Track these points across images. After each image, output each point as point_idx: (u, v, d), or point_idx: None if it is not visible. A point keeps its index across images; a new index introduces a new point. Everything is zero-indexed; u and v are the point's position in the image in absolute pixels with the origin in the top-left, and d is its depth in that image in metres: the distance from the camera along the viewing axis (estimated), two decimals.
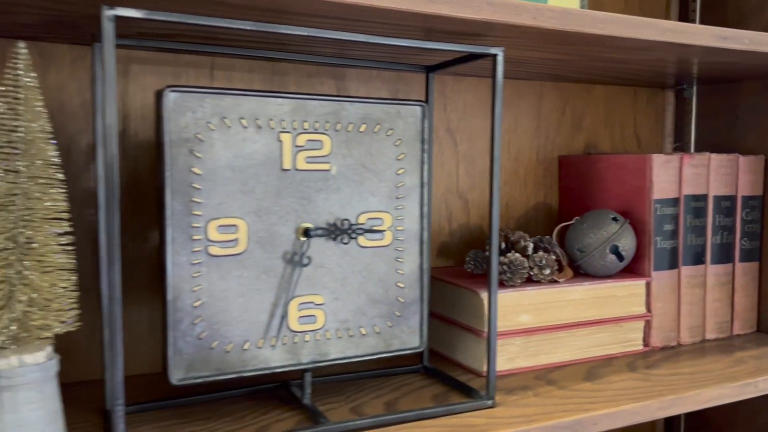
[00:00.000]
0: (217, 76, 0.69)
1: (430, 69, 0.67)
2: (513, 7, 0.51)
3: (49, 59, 0.62)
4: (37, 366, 0.42)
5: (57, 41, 0.62)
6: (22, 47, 0.42)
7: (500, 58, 0.56)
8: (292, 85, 0.72)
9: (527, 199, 0.89)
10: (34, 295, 0.41)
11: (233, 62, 0.69)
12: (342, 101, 0.56)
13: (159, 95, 0.50)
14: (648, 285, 0.77)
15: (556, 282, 0.72)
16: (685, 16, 0.96)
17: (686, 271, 0.79)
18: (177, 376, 0.51)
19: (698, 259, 0.80)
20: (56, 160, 0.43)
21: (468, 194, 0.84)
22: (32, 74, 0.42)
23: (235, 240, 0.53)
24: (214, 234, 0.52)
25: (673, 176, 0.78)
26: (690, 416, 1.00)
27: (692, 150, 0.97)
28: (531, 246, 0.72)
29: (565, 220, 0.89)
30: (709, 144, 0.94)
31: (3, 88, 0.42)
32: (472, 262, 0.74)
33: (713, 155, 0.80)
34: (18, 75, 0.42)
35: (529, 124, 0.88)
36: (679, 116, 0.99)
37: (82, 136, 0.64)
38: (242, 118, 0.52)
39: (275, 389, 0.62)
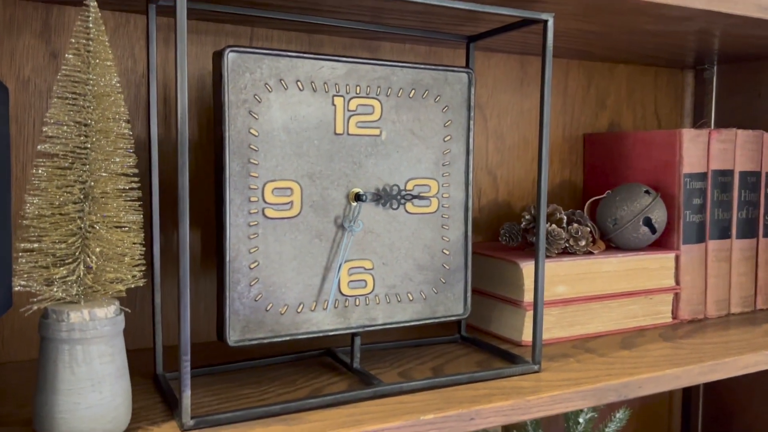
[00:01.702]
0: (256, 46, 0.68)
1: (471, 39, 0.68)
2: None
3: None
4: (108, 320, 0.42)
5: (101, 7, 0.61)
6: (92, 3, 0.42)
7: (551, 24, 0.56)
8: None
9: (553, 176, 0.90)
10: (106, 248, 0.41)
11: (271, 33, 0.69)
12: (393, 66, 0.56)
13: (218, 56, 0.50)
14: (677, 258, 0.78)
15: (590, 253, 0.72)
16: None
17: (713, 245, 0.80)
18: (234, 337, 0.51)
19: (725, 233, 0.81)
20: (126, 114, 0.43)
21: (497, 170, 0.85)
22: (102, 28, 0.42)
23: (290, 203, 0.53)
24: (270, 196, 0.52)
25: (701, 151, 0.79)
26: (707, 393, 1.01)
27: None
28: (566, 219, 0.73)
29: (590, 196, 0.89)
30: (729, 122, 0.95)
31: (74, 41, 0.41)
32: (507, 235, 0.74)
33: (740, 131, 0.82)
34: (89, 28, 0.42)
35: (555, 100, 0.89)
36: (698, 96, 1.00)
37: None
38: (298, 81, 0.52)
39: (321, 356, 0.62)
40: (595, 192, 0.89)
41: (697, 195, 0.79)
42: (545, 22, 0.56)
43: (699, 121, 1.00)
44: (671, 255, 0.77)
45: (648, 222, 0.75)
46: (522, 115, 0.86)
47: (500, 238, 0.75)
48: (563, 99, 0.90)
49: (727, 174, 0.81)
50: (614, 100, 0.94)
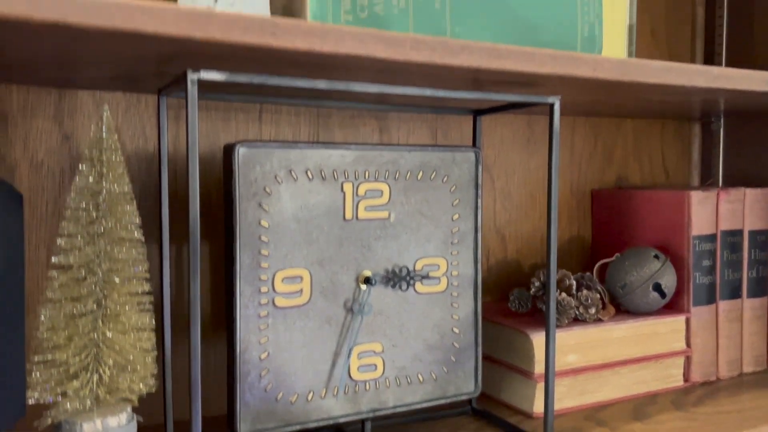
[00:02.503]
0: (265, 120, 0.69)
1: (478, 113, 0.68)
2: (574, 60, 0.52)
3: (102, 107, 0.62)
4: (121, 428, 0.42)
5: (113, 90, 0.62)
6: (105, 110, 0.43)
7: (557, 107, 0.56)
8: (336, 127, 0.73)
9: (561, 233, 0.90)
10: (119, 358, 0.42)
11: (280, 108, 0.70)
12: (401, 150, 0.57)
13: (229, 151, 0.50)
14: (688, 321, 0.77)
15: (600, 320, 0.72)
16: (711, 53, 0.98)
17: (724, 305, 0.80)
18: (244, 429, 0.51)
19: (735, 293, 0.81)
20: (137, 221, 0.43)
21: (505, 229, 0.85)
22: (115, 137, 0.43)
23: (300, 291, 0.53)
24: (280, 285, 0.52)
25: (710, 212, 0.79)
26: None
27: (720, 182, 0.98)
28: (575, 285, 0.73)
29: (598, 253, 0.89)
30: (737, 174, 0.95)
31: (87, 152, 0.42)
32: (516, 301, 0.74)
33: (748, 190, 0.81)
34: (102, 139, 0.42)
35: (563, 156, 0.89)
36: (706, 148, 1.00)
37: (135, 183, 0.64)
38: (308, 170, 0.53)
39: None
40: (604, 248, 0.89)
41: (707, 257, 0.78)
42: (551, 105, 0.56)
43: (707, 173, 1.00)
44: (681, 318, 0.77)
45: (657, 287, 0.75)
46: (529, 173, 0.86)
47: (509, 304, 0.75)
48: (570, 155, 0.90)
49: (736, 234, 0.81)
50: (621, 154, 0.94)
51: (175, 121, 0.65)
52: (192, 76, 0.42)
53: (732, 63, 0.95)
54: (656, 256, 0.76)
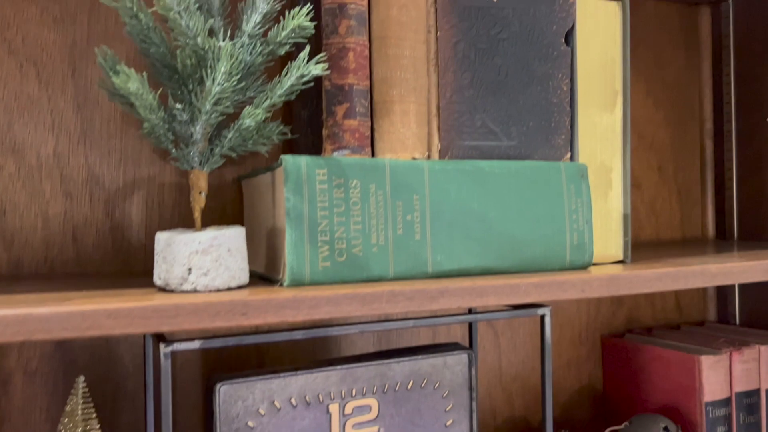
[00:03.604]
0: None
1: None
2: (560, 285, 0.51)
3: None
4: None
5: None
6: (82, 381, 0.43)
7: (548, 319, 0.55)
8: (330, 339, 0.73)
9: (571, 383, 0.87)
10: None
11: None
12: (389, 362, 0.56)
13: (209, 389, 0.50)
14: None
15: None
16: (721, 185, 0.96)
17: None
18: None
19: None
20: None
21: (512, 385, 0.83)
22: (91, 405, 0.43)
23: None
24: None
25: (723, 375, 0.76)
26: None
27: (737, 318, 0.95)
28: None
29: (611, 403, 0.87)
30: (753, 307, 0.92)
31: (66, 420, 0.42)
32: None
33: (762, 348, 0.78)
34: (76, 404, 0.42)
35: (569, 304, 0.88)
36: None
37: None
38: (291, 398, 0.52)
39: None
40: (616, 399, 0.86)
41: (722, 422, 0.75)
42: (542, 316, 0.55)
43: (723, 308, 0.97)
44: None
45: None
46: (535, 324, 0.85)
47: None
48: (577, 300, 0.88)
49: (752, 395, 0.78)
50: (631, 295, 0.92)
51: None
52: (165, 350, 0.42)
53: (743, 193, 0.93)
54: (666, 428, 0.73)
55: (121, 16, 0.41)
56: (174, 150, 0.45)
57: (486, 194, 0.52)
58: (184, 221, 0.66)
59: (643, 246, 0.88)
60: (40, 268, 0.61)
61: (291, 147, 0.64)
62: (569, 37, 0.58)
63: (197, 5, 0.44)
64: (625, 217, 0.62)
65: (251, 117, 0.42)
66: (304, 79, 0.43)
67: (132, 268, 0.64)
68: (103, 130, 0.63)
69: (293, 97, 0.44)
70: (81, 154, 0.63)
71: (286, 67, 0.43)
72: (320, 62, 0.43)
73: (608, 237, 0.61)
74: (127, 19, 0.41)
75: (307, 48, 0.44)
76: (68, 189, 0.62)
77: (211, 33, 0.46)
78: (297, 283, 0.46)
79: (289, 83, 0.43)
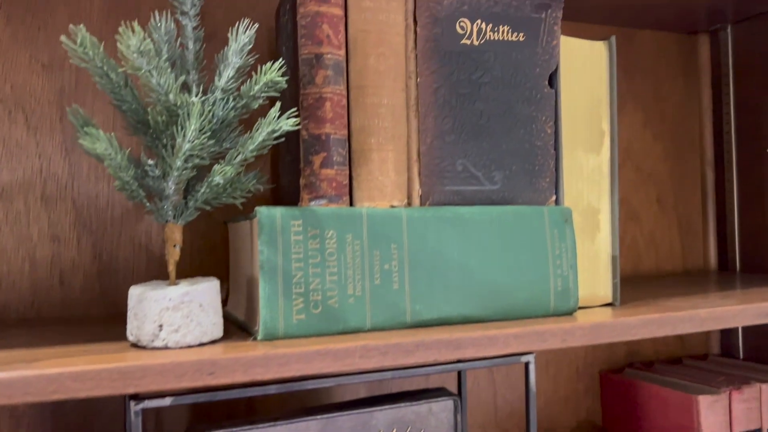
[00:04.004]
0: None
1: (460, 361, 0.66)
2: (540, 334, 0.50)
3: None
4: None
5: None
6: None
7: (532, 367, 0.54)
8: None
9: (569, 418, 0.86)
10: None
11: None
12: (371, 411, 0.55)
13: None
14: None
15: None
16: (722, 215, 0.95)
17: None
18: None
19: None
20: None
21: (507, 423, 0.82)
22: None
23: None
24: None
25: (722, 416, 0.74)
26: None
27: (741, 352, 0.93)
28: None
29: None
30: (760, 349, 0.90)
31: None
32: None
33: (764, 386, 0.77)
34: None
35: None
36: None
37: None
38: None
39: None
40: None
41: None
42: (526, 363, 0.54)
43: (728, 344, 0.95)
44: None
45: None
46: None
47: None
48: None
49: None
50: None
51: None
52: (135, 408, 0.42)
53: (745, 223, 0.92)
54: None
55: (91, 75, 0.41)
56: (148, 204, 0.45)
57: (466, 241, 0.52)
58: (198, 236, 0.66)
59: (642, 279, 0.87)
60: (27, 311, 0.62)
61: (277, 191, 0.64)
62: (553, 79, 0.58)
63: (170, 61, 0.45)
64: (613, 258, 0.61)
65: (221, 174, 0.42)
66: (275, 134, 0.43)
67: (120, 309, 0.65)
68: (91, 174, 0.64)
69: (265, 151, 0.44)
70: (69, 198, 0.63)
71: (257, 123, 0.43)
72: (291, 117, 0.43)
73: (596, 279, 0.60)
74: (97, 78, 0.41)
75: (278, 104, 0.44)
76: (56, 232, 0.63)
77: (186, 87, 0.46)
78: (270, 337, 0.46)
79: (260, 138, 0.43)
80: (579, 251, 0.59)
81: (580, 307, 0.59)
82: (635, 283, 0.83)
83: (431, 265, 0.51)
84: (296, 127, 0.44)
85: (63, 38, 0.40)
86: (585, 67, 0.60)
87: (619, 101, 0.90)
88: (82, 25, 0.40)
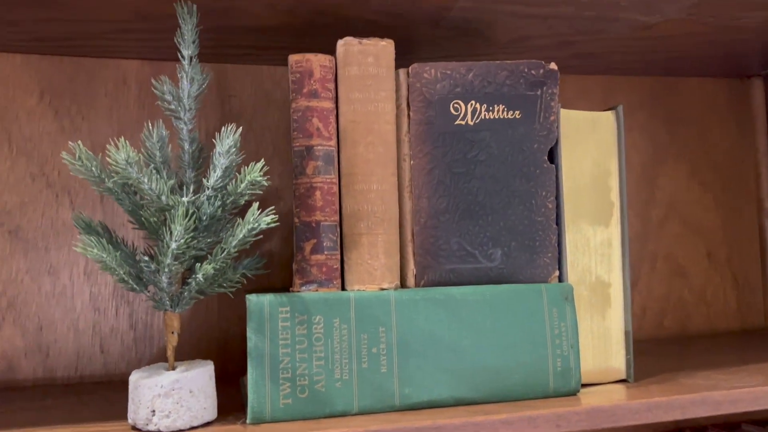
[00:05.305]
0: None
1: None
2: (531, 420, 0.49)
3: None
4: None
5: None
6: None
7: None
8: None
9: None
10: None
11: None
12: None
13: None
14: None
15: None
16: None
17: None
18: None
19: None
20: None
21: None
22: None
23: None
24: None
25: None
26: None
27: None
28: None
29: None
30: None
31: None
32: None
33: None
34: None
35: None
36: None
37: None
38: None
39: None
40: None
41: None
42: None
43: None
44: None
45: None
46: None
47: None
48: None
49: None
50: None
51: None
52: None
53: None
54: None
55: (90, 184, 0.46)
56: (148, 293, 0.49)
57: (458, 322, 0.52)
58: (199, 329, 0.70)
59: (690, 339, 0.83)
60: (72, 377, 0.68)
61: None
62: (553, 154, 0.57)
63: (165, 162, 0.49)
64: (626, 333, 0.59)
65: (202, 272, 0.45)
66: (254, 231, 0.46)
67: None
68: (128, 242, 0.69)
69: (248, 246, 0.47)
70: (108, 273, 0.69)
71: (237, 221, 0.46)
72: (270, 214, 0.46)
73: (608, 355, 0.58)
74: (95, 187, 0.46)
75: (256, 204, 0.47)
76: (96, 304, 0.68)
77: (182, 185, 0.50)
78: (258, 421, 0.48)
79: (241, 235, 0.46)
80: (588, 327, 0.58)
81: (592, 384, 0.58)
82: (681, 344, 0.80)
83: (421, 347, 0.51)
84: (275, 224, 0.46)
85: (63, 154, 0.45)
86: (589, 138, 0.59)
87: (660, 154, 0.87)
88: (79, 142, 0.45)
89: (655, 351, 0.76)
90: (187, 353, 0.70)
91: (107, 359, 0.68)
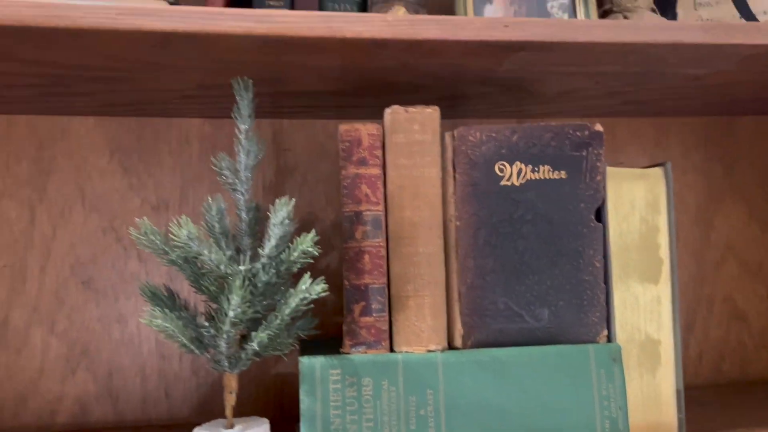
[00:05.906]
0: None
1: None
2: None
3: None
4: None
5: None
6: None
7: None
8: None
9: None
10: None
11: None
12: None
13: None
14: None
15: None
16: None
17: None
18: None
19: None
20: None
21: None
22: None
23: None
24: None
25: None
26: None
27: None
28: None
29: None
30: None
31: None
32: None
33: None
34: None
35: None
36: None
37: None
38: None
39: None
40: None
41: None
42: None
43: None
44: None
45: None
46: None
47: None
48: None
49: None
50: None
51: None
52: None
53: None
54: None
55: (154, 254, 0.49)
56: (207, 355, 0.52)
57: (505, 385, 0.53)
58: (256, 373, 0.73)
59: (751, 386, 0.81)
60: (140, 420, 0.72)
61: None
62: (600, 213, 0.58)
63: (224, 233, 0.52)
64: (678, 392, 0.58)
65: (258, 340, 0.48)
66: (306, 300, 0.48)
67: (215, 417, 0.73)
68: (190, 299, 0.73)
69: (300, 314, 0.50)
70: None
71: (290, 291, 0.49)
72: (321, 284, 0.48)
73: (659, 415, 0.58)
74: (159, 258, 0.49)
75: (307, 274, 0.49)
76: (162, 351, 0.72)
77: (239, 251, 0.53)
78: None
79: (294, 304, 0.48)
80: (638, 386, 0.58)
81: None
82: (740, 391, 0.78)
83: (468, 409, 0.52)
84: (325, 293, 0.48)
85: (131, 229, 0.48)
86: (637, 196, 0.59)
87: (716, 194, 0.86)
88: (145, 218, 0.48)
89: (712, 400, 0.74)
90: (242, 408, 0.73)
91: (171, 403, 0.72)
